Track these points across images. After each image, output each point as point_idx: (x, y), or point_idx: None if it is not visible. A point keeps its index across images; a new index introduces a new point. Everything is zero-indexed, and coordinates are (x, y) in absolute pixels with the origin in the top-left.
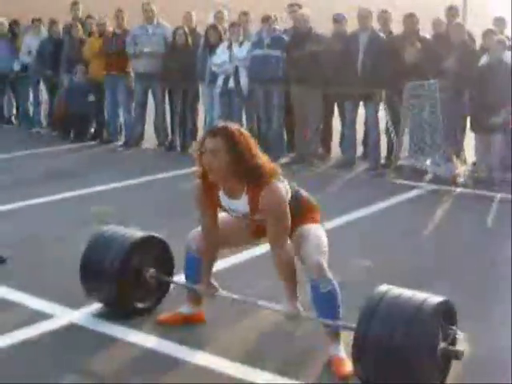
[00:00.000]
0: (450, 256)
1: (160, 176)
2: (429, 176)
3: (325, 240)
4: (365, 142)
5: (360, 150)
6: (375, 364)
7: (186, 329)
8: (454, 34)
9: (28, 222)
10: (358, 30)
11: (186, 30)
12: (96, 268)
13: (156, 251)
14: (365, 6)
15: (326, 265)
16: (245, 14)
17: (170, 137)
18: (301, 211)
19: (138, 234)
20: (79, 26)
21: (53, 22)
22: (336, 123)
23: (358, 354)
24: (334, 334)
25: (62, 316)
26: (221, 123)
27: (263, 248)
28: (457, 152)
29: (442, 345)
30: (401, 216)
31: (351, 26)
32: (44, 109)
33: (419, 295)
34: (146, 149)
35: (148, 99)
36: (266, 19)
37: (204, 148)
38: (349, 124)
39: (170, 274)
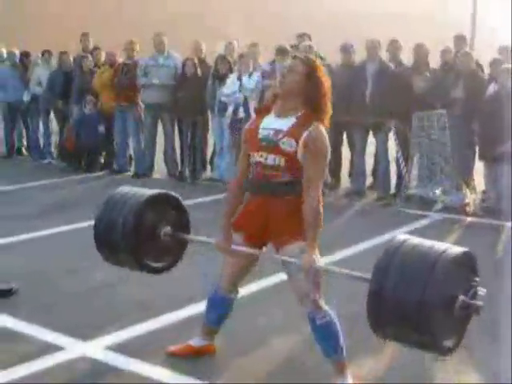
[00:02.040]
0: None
1: None
2: (438, 205)
3: (319, 271)
4: (374, 172)
5: (370, 179)
6: (390, 315)
7: (196, 361)
8: (462, 63)
9: (37, 254)
10: (366, 60)
11: (196, 60)
12: (109, 229)
13: (170, 209)
14: (373, 37)
15: (321, 302)
16: (254, 45)
17: (179, 167)
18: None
19: (150, 191)
20: (89, 57)
21: (63, 53)
22: (345, 153)
23: (373, 305)
24: (338, 366)
25: (73, 348)
26: None
27: (276, 278)
28: (466, 181)
29: (462, 298)
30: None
31: (361, 55)
32: (54, 140)
33: (439, 245)
34: (156, 179)
35: (158, 130)
36: (282, 52)
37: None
38: (358, 153)
39: (187, 232)
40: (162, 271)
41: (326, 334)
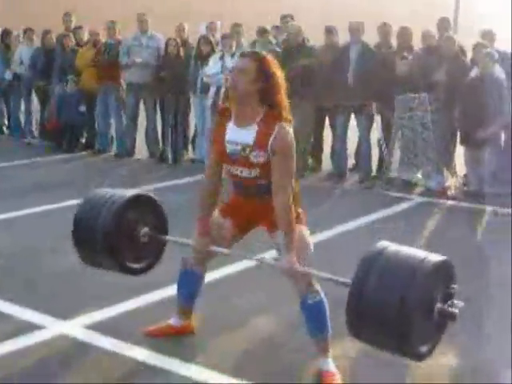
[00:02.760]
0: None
1: (151, 187)
2: (419, 188)
3: (310, 245)
4: (356, 155)
5: (351, 162)
6: (368, 320)
7: (175, 340)
8: (445, 46)
9: (19, 233)
10: (350, 42)
11: (179, 41)
12: (88, 231)
13: (148, 210)
14: (358, 19)
15: (312, 277)
16: (237, 25)
17: (161, 147)
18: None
19: (128, 192)
20: (71, 36)
21: (46, 32)
22: (327, 135)
23: (351, 309)
24: (323, 346)
25: (53, 327)
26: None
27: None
28: (447, 165)
29: (439, 305)
30: (391, 228)
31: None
32: (35, 119)
33: (419, 253)
34: (137, 159)
35: (139, 110)
36: (262, 32)
37: (234, 67)
38: (340, 136)
39: (164, 232)
40: (140, 272)
41: (315, 314)
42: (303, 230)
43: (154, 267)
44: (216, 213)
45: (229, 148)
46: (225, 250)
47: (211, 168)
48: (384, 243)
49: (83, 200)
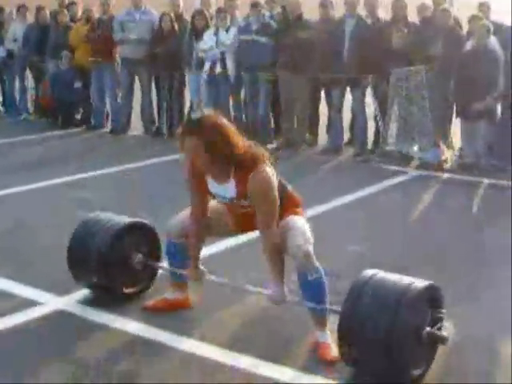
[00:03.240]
0: (436, 241)
1: (146, 163)
2: (415, 161)
3: (309, 230)
4: (352, 128)
5: (347, 135)
6: (360, 347)
7: (171, 315)
8: (440, 19)
9: (15, 210)
10: (345, 15)
11: (173, 15)
12: (83, 254)
13: (142, 236)
14: None
15: (312, 253)
16: None
17: (156, 123)
18: (286, 203)
19: (124, 219)
20: (65, 12)
21: (40, 8)
22: (323, 109)
23: (342, 337)
24: (321, 320)
25: (49, 303)
26: (197, 115)
27: (249, 236)
28: (444, 138)
29: (428, 329)
30: (387, 201)
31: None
32: (30, 95)
33: (405, 279)
34: (132, 135)
35: (134, 86)
36: (254, 5)
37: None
38: (335, 110)
39: (158, 258)
40: (132, 296)
41: (315, 290)
42: (302, 219)
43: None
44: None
45: (217, 199)
46: (218, 280)
47: (197, 207)
48: (370, 271)
49: (81, 222)
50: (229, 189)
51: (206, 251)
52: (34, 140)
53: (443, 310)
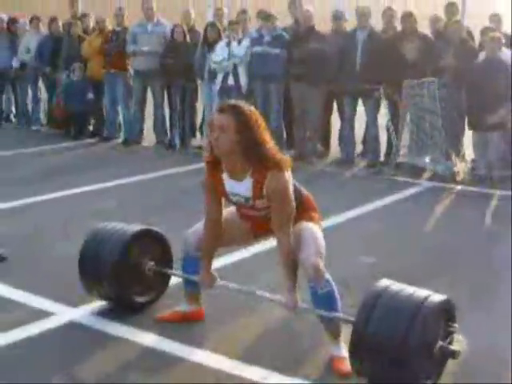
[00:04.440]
0: (448, 253)
1: (159, 174)
2: (428, 173)
3: (322, 239)
4: (364, 140)
5: (359, 147)
6: (371, 358)
7: (184, 326)
8: (453, 31)
9: (28, 220)
10: (357, 27)
11: (185, 27)
12: (94, 263)
13: (154, 244)
14: (365, 4)
15: (323, 266)
16: (244, 11)
17: (168, 134)
18: (301, 207)
19: (135, 227)
20: (78, 24)
21: (53, 20)
22: (335, 121)
23: (355, 347)
24: (335, 333)
25: (62, 314)
26: (232, 101)
27: (263, 246)
28: (456, 149)
29: (440, 343)
30: (400, 213)
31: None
32: (43, 107)
33: (420, 292)
34: (145, 146)
35: (147, 97)
36: (267, 18)
37: (213, 124)
38: (348, 121)
39: (170, 266)
40: (144, 305)
41: (326, 303)
42: (316, 227)
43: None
44: (235, 211)
45: (233, 198)
46: (233, 286)
47: (212, 211)
48: (385, 282)
49: (91, 231)
50: (245, 188)
51: (216, 263)
52: (47, 151)
53: (456, 325)
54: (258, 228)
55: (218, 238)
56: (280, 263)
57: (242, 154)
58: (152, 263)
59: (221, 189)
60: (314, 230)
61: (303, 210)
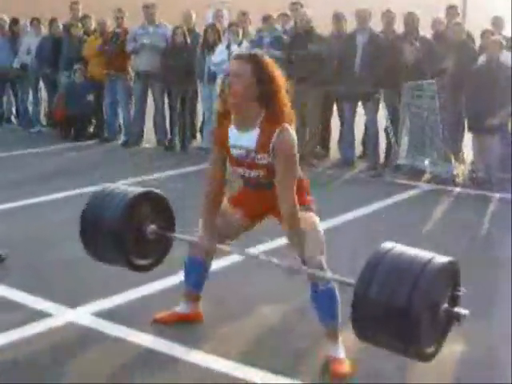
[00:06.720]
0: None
1: (160, 175)
2: (427, 176)
3: (322, 233)
4: (364, 142)
5: (359, 149)
6: (374, 322)
7: (183, 327)
8: (453, 33)
9: (27, 221)
10: (356, 30)
11: (185, 29)
12: (95, 226)
13: (155, 207)
14: (365, 7)
15: (325, 263)
16: (244, 13)
17: (169, 136)
18: (299, 192)
19: (136, 189)
20: (79, 25)
21: (53, 21)
22: (335, 123)
23: (357, 309)
24: (333, 334)
25: (61, 315)
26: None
27: (264, 247)
28: (455, 152)
29: (445, 306)
30: (399, 215)
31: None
32: (43, 108)
33: (425, 254)
34: (145, 148)
35: (147, 98)
36: (266, 19)
37: (229, 70)
38: (347, 124)
39: (171, 229)
40: (147, 269)
41: (326, 301)
42: (313, 217)
43: (159, 264)
44: (226, 202)
45: (234, 153)
46: (234, 249)
47: (215, 168)
48: (389, 244)
49: (92, 193)
50: (250, 138)
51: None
52: (47, 152)
53: (461, 289)
54: (251, 211)
55: (219, 196)
56: (284, 224)
57: (256, 100)
58: (153, 226)
59: (225, 143)
60: (313, 223)
61: (300, 194)
